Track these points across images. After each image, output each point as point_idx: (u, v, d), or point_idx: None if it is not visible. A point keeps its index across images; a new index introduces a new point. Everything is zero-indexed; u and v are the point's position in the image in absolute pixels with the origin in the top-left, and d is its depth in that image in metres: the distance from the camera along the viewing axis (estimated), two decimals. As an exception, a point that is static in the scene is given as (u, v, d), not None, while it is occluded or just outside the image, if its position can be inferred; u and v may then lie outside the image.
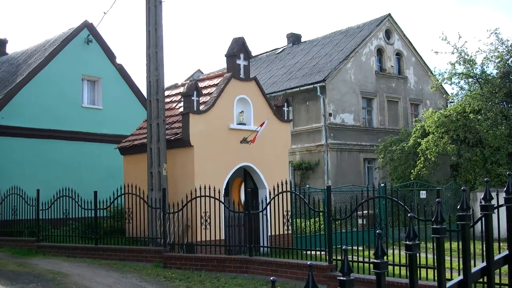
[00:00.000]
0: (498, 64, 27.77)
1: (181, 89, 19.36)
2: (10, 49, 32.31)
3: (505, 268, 3.63)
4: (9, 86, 24.28)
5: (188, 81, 19.96)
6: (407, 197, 20.69)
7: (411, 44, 35.90)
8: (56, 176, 23.38)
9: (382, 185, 21.16)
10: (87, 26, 26.21)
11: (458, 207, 3.41)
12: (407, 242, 2.95)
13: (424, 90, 35.58)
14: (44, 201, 18.55)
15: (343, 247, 2.87)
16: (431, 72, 33.38)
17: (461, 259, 3.42)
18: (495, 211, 8.09)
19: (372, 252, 11.79)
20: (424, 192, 23.36)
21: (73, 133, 24.77)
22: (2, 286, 12.10)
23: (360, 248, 12.36)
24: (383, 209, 19.43)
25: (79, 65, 25.61)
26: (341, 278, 2.69)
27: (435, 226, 3.14)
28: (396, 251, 11.35)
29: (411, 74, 35.60)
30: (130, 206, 16.94)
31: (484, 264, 3.50)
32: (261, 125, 17.56)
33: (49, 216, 18.44)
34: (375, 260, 2.87)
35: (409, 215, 3.23)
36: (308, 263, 2.69)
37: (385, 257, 2.88)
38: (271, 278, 2.59)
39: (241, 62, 18.34)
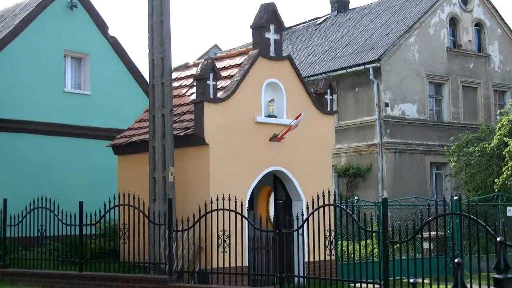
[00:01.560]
0: None
1: (194, 71, 19.48)
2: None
3: None
4: (-34, 64, 24.54)
5: (203, 60, 20.06)
6: (489, 214, 20.55)
7: (496, 11, 35.65)
8: (30, 182, 23.58)
9: (455, 198, 21.09)
10: (71, -15, 26.40)
11: None
12: (497, 276, 2.98)
13: (512, 73, 35.29)
14: (13, 214, 18.73)
15: (412, 280, 2.92)
16: (524, 49, 33.12)
17: None
18: None
19: (443, 287, 11.76)
20: (513, 208, 23.19)
21: (52, 126, 24.98)
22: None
23: (426, 280, 12.35)
24: (457, 230, 19.33)
25: (60, 37, 25.81)
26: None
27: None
28: (475, 286, 11.32)
29: (495, 51, 35.34)
30: (126, 221, 17.08)
31: None
32: (297, 118, 17.60)
33: (20, 234, 18.60)
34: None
35: (498, 239, 3.27)
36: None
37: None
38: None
39: (271, 35, 18.39)
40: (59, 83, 25.75)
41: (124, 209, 17.11)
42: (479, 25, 35.11)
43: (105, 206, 16.99)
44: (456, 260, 2.93)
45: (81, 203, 17.20)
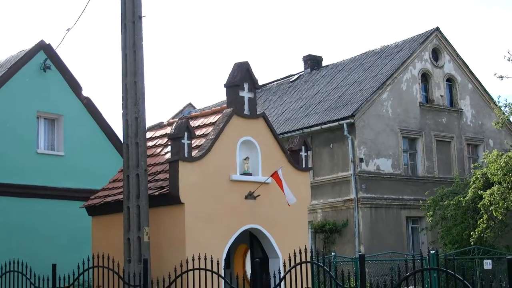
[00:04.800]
0: None
1: (168, 130, 19.52)
2: None
3: None
4: None
5: (177, 119, 20.13)
6: (466, 267, 20.58)
7: (467, 66, 36.24)
8: (2, 245, 23.33)
9: (432, 252, 21.13)
10: (44, 48, 26.44)
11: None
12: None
13: (485, 127, 35.76)
14: (-15, 278, 18.51)
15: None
16: (495, 103, 33.55)
17: None
18: None
19: None
20: (489, 261, 23.28)
21: (25, 188, 24.82)
22: None
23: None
24: (435, 285, 19.35)
25: (33, 98, 25.77)
26: None
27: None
28: None
29: (467, 105, 35.85)
30: (101, 283, 16.90)
31: None
32: (273, 176, 17.61)
33: (-9, 299, 18.39)
34: None
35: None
36: None
37: None
38: None
39: (245, 94, 18.52)
40: (31, 144, 25.63)
41: (98, 271, 16.93)
42: (450, 80, 35.67)
43: (78, 268, 16.78)
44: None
45: (54, 266, 17.00)
